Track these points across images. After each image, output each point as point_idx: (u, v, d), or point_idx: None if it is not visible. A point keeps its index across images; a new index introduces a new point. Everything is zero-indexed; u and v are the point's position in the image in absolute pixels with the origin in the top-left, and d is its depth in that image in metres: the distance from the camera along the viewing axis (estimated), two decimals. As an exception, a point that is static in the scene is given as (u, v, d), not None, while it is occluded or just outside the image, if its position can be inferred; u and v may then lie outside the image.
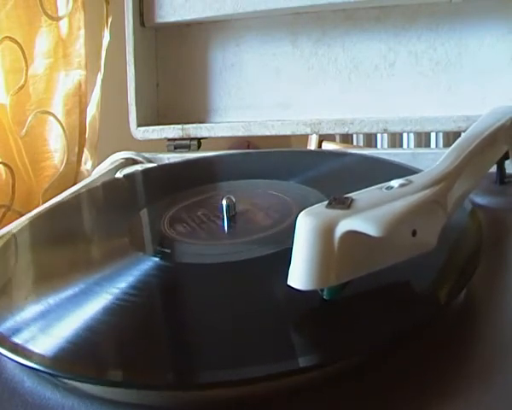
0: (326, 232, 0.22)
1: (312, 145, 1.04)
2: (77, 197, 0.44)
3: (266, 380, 0.20)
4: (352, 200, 0.23)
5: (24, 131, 0.56)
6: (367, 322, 0.23)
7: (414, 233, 0.23)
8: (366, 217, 0.22)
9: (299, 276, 0.22)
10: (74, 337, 0.23)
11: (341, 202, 0.23)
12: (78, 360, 0.22)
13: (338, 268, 0.22)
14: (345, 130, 0.53)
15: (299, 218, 0.23)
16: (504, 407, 0.20)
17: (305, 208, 0.23)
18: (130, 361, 0.22)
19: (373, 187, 0.25)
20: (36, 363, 0.22)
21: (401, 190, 0.24)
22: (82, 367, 0.22)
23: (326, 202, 0.23)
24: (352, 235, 0.22)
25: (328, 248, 0.22)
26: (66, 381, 0.22)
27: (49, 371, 0.22)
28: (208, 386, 0.21)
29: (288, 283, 0.23)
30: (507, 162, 0.36)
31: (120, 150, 0.56)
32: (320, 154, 0.59)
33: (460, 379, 0.21)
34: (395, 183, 0.25)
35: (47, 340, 0.23)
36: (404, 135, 1.50)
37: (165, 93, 0.62)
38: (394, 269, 0.24)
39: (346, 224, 0.22)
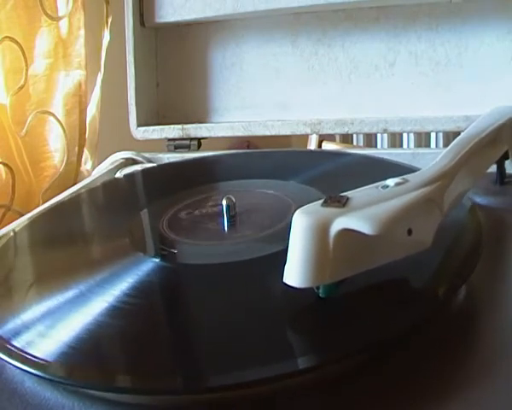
0: (321, 230, 0.22)
1: (312, 145, 1.04)
2: (77, 197, 0.44)
3: (267, 383, 0.20)
4: (348, 198, 0.23)
5: (24, 131, 0.56)
6: (365, 321, 0.23)
7: (409, 232, 0.23)
8: (361, 215, 0.22)
9: (294, 274, 0.22)
10: (75, 341, 0.23)
11: (337, 201, 0.23)
12: (79, 365, 0.22)
13: (333, 266, 0.22)
14: (345, 130, 0.53)
15: (294, 216, 0.23)
16: (505, 407, 0.20)
17: (303, 208, 0.24)
18: (132, 366, 0.22)
19: (369, 186, 0.25)
20: (36, 369, 0.22)
21: (397, 189, 0.24)
22: (83, 373, 0.22)
23: (322, 201, 0.23)
24: (347, 233, 0.22)
25: (324, 247, 0.22)
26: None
27: (50, 378, 0.22)
28: (211, 390, 0.21)
29: (284, 280, 0.23)
30: (507, 162, 0.36)
31: (120, 150, 0.56)
32: (320, 154, 0.59)
33: (460, 379, 0.21)
34: (391, 181, 0.25)
35: (47, 344, 0.23)
36: (404, 135, 1.50)
37: (165, 93, 0.62)
38: (393, 267, 0.24)
39: (341, 222, 0.22)
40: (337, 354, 0.21)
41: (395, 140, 1.50)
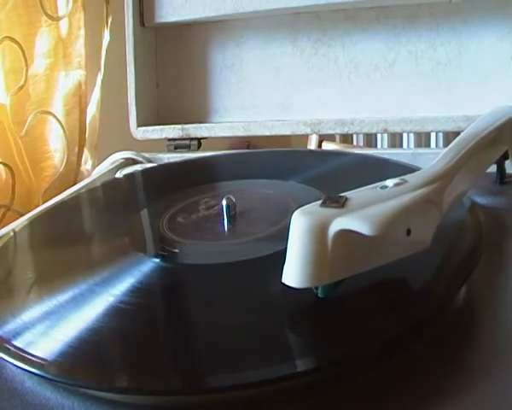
0: (320, 231, 0.22)
1: (312, 145, 1.04)
2: (77, 198, 0.44)
3: (267, 384, 0.20)
4: (347, 199, 0.23)
5: (24, 131, 0.56)
6: (365, 322, 0.23)
7: (408, 232, 0.23)
8: (360, 216, 0.22)
9: (293, 274, 0.22)
10: (75, 341, 0.23)
11: (335, 201, 0.23)
12: (79, 365, 0.22)
13: (331, 266, 0.22)
14: (345, 130, 0.53)
15: (293, 216, 0.23)
16: (505, 406, 0.20)
17: (302, 208, 0.23)
18: (132, 367, 0.22)
19: (368, 186, 0.25)
20: (36, 368, 0.22)
21: (396, 190, 0.24)
22: (83, 373, 0.22)
23: (320, 201, 0.23)
24: (345, 234, 0.22)
25: (322, 247, 0.22)
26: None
27: (50, 377, 0.22)
28: (210, 391, 0.21)
29: (283, 280, 0.23)
30: (507, 162, 0.36)
31: (120, 150, 0.56)
32: (320, 154, 0.59)
33: (461, 378, 0.21)
34: (390, 182, 0.25)
35: (47, 344, 0.23)
36: (404, 135, 1.50)
37: (165, 93, 0.62)
38: (392, 267, 0.24)
39: (340, 222, 0.22)
40: (336, 356, 0.21)
41: (395, 140, 1.50)
